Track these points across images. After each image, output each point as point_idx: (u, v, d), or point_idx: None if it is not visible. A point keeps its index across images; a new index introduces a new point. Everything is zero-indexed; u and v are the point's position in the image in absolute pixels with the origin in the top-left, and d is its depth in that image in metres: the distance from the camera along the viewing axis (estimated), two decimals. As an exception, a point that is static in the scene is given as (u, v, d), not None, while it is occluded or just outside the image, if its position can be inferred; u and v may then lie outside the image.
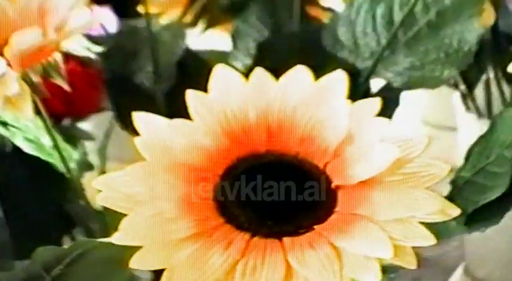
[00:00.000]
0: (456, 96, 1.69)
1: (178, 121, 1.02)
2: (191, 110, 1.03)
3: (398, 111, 1.52)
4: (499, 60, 1.45)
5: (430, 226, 1.10)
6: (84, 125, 1.61)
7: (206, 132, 1.02)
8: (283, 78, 1.04)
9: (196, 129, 1.02)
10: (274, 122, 1.03)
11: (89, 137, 1.62)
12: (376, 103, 1.03)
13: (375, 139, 0.99)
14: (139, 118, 1.02)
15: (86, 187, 1.28)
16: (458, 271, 1.78)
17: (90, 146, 1.52)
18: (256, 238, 0.97)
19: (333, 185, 1.00)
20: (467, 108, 1.72)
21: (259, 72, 1.04)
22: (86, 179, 1.28)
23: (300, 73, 1.04)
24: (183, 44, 1.36)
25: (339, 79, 1.03)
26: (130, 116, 1.07)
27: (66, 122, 1.53)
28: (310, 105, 1.03)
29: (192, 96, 1.04)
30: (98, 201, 1.00)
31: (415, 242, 0.96)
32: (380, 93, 1.33)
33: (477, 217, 1.17)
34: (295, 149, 1.03)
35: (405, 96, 1.58)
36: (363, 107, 1.03)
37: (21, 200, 1.18)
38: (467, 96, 1.59)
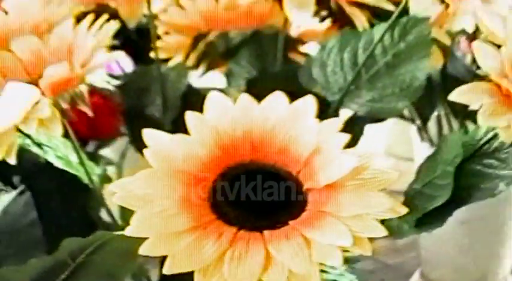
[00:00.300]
0: (413, 129, 1.74)
1: (179, 136, 1.05)
2: (189, 127, 1.06)
3: (364, 146, 1.58)
4: (448, 99, 1.49)
5: (388, 228, 1.16)
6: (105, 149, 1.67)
7: (201, 145, 1.05)
8: (264, 101, 1.08)
9: (194, 142, 1.05)
10: (257, 137, 1.06)
11: (108, 161, 1.67)
12: (339, 122, 1.07)
13: (338, 151, 1.03)
14: (148, 134, 1.05)
15: (105, 196, 1.33)
16: (416, 275, 1.83)
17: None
18: (242, 231, 1.01)
19: (304, 188, 1.04)
20: (422, 139, 1.76)
21: (245, 97, 1.08)
22: (105, 190, 1.33)
23: (277, 98, 1.08)
24: (186, 82, 1.41)
25: (309, 102, 1.07)
26: (143, 141, 1.11)
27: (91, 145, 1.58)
28: (285, 124, 1.07)
29: (190, 115, 1.07)
30: (115, 201, 1.02)
31: (370, 234, 0.99)
32: (347, 121, 1.36)
33: (425, 221, 1.22)
34: (274, 159, 1.06)
35: (369, 131, 1.64)
36: (329, 126, 1.06)
37: (53, 205, 1.21)
38: (422, 130, 1.62)
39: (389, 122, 1.52)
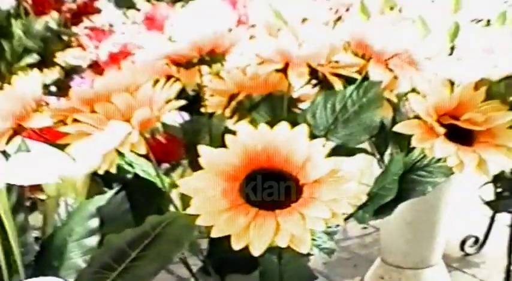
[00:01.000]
0: (375, 161, 1.79)
1: (221, 150, 1.11)
2: (228, 144, 1.13)
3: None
4: (397, 139, 1.54)
5: (356, 218, 1.24)
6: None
7: (235, 156, 1.11)
8: (275, 128, 1.14)
9: (230, 154, 1.11)
10: (271, 151, 1.12)
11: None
12: (322, 141, 1.14)
13: (321, 159, 1.10)
14: (202, 150, 1.11)
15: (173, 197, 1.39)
16: (378, 260, 1.85)
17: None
18: (261, 211, 1.08)
19: (300, 183, 1.10)
20: (381, 167, 1.81)
21: (263, 126, 1.15)
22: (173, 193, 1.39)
23: (283, 126, 1.14)
24: (224, 125, 1.46)
25: (302, 129, 1.13)
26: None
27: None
28: (288, 142, 1.13)
29: (228, 137, 1.12)
30: (180, 190, 1.10)
31: (342, 210, 1.06)
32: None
33: (379, 211, 1.29)
34: (281, 165, 1.12)
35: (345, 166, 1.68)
36: (315, 143, 1.12)
37: (138, 201, 1.28)
38: (380, 161, 1.67)
39: (359, 158, 1.57)
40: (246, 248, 1.17)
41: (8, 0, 1.98)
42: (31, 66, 1.81)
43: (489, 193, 1.74)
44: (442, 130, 1.23)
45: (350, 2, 1.69)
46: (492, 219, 1.88)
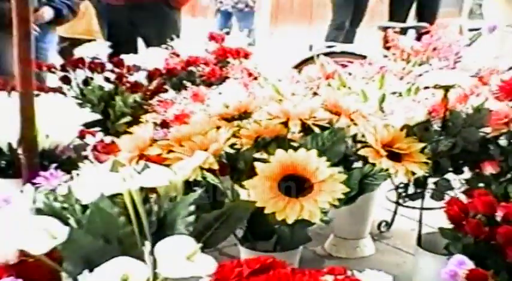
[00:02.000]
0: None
1: (267, 164, 1.18)
2: (270, 160, 1.19)
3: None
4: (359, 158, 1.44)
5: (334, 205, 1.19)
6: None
7: (275, 167, 1.17)
8: (298, 151, 1.19)
9: (272, 166, 1.17)
10: (295, 164, 1.17)
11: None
12: (324, 158, 1.19)
13: (324, 168, 1.17)
14: (258, 165, 1.18)
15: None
16: (331, 235, 1.81)
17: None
18: (291, 198, 1.14)
19: (312, 182, 1.16)
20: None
21: (290, 151, 1.20)
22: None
23: (302, 150, 1.19)
24: (253, 155, 1.40)
25: (313, 152, 1.19)
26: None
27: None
28: (305, 159, 1.18)
29: (258, 164, 1.19)
30: (247, 186, 1.16)
31: (337, 196, 1.14)
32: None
33: (347, 202, 1.24)
34: (301, 172, 1.17)
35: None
36: (321, 159, 1.17)
37: (212, 197, 1.27)
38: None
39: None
40: (269, 223, 1.23)
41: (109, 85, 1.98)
42: (126, 123, 1.79)
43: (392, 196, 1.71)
44: (384, 153, 1.29)
45: (317, 82, 1.70)
46: (395, 212, 1.81)
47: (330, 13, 5.28)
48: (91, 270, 1.01)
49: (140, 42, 3.51)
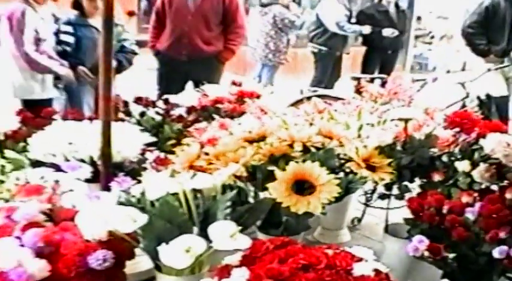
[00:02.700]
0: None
1: (284, 172, 1.21)
2: (286, 169, 1.21)
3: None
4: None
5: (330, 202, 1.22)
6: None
7: (290, 174, 1.21)
8: (306, 163, 1.23)
9: (288, 173, 1.21)
10: (304, 172, 1.21)
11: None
12: (324, 169, 1.23)
13: (325, 175, 1.21)
14: (278, 172, 1.22)
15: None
16: (319, 227, 1.77)
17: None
18: (301, 196, 1.18)
19: (316, 185, 1.20)
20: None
21: (301, 163, 1.25)
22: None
23: (309, 162, 1.22)
24: (267, 168, 1.40)
25: (316, 164, 1.22)
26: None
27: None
28: (311, 168, 1.21)
29: (277, 172, 1.23)
30: (270, 187, 1.20)
31: (334, 195, 1.19)
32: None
33: (337, 200, 1.25)
34: (308, 178, 1.21)
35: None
36: (322, 169, 1.21)
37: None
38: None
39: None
40: (279, 215, 1.28)
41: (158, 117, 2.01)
42: (172, 145, 1.77)
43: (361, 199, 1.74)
44: (363, 165, 1.34)
45: (312, 116, 1.74)
46: (364, 211, 1.81)
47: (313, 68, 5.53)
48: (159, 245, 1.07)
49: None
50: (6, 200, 1.34)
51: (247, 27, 4.01)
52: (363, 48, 5.96)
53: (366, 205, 1.79)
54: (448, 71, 4.82)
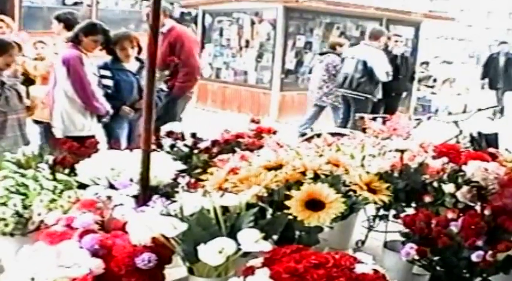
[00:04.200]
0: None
1: (299, 192, 1.38)
2: (301, 189, 1.36)
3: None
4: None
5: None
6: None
7: (303, 194, 1.36)
8: (317, 184, 1.41)
9: (302, 193, 1.38)
10: (314, 191, 1.36)
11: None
12: (332, 190, 1.40)
13: (333, 194, 1.35)
14: (294, 192, 1.39)
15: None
16: (326, 248, 1.47)
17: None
18: (313, 212, 1.32)
19: (326, 202, 1.34)
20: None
21: (312, 184, 1.42)
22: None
23: (320, 184, 1.39)
24: (283, 191, 1.56)
25: (325, 185, 1.39)
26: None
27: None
28: (321, 188, 1.36)
29: (293, 192, 1.41)
30: (288, 205, 1.37)
31: (340, 212, 1.34)
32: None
33: (343, 218, 1.43)
34: (318, 197, 1.35)
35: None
36: (330, 189, 1.36)
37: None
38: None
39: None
40: (293, 231, 1.43)
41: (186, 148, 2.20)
42: (198, 173, 1.91)
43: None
44: (365, 188, 1.50)
45: (322, 149, 1.90)
46: (366, 235, 1.85)
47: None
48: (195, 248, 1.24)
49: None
50: (64, 212, 1.53)
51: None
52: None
53: (369, 229, 1.88)
54: (450, 113, 5.04)
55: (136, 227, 1.31)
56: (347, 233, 1.87)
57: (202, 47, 8.98)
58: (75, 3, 9.07)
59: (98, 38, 3.20)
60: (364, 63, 5.50)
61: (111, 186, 1.56)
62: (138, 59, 3.45)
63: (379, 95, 5.53)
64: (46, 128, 3.33)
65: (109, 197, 1.47)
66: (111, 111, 3.21)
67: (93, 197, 1.52)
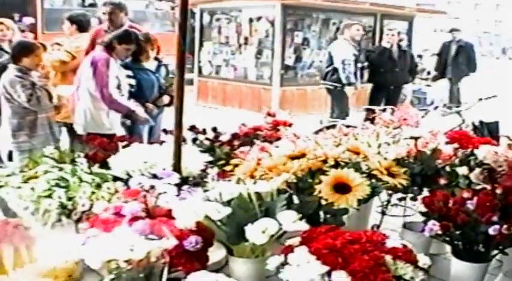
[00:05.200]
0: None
1: (326, 177, 1.50)
2: (329, 174, 1.46)
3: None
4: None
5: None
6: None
7: (331, 179, 1.45)
8: (344, 170, 1.49)
9: (329, 178, 1.47)
10: (342, 176, 1.45)
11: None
12: (358, 174, 1.52)
13: (358, 178, 1.46)
14: (324, 177, 1.50)
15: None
16: None
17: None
18: (340, 195, 1.41)
19: (352, 185, 1.44)
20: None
21: (339, 169, 1.52)
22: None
23: (347, 169, 1.50)
24: (308, 182, 1.80)
25: (352, 170, 1.50)
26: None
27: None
28: (348, 174, 1.45)
29: (322, 177, 1.51)
30: (317, 189, 1.48)
31: (366, 194, 1.44)
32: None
33: (365, 201, 1.51)
34: (345, 181, 1.44)
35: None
36: (357, 174, 1.47)
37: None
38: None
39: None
40: (318, 214, 1.51)
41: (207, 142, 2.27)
42: (221, 165, 1.98)
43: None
44: (385, 172, 1.59)
45: (339, 138, 1.98)
46: (381, 220, 1.89)
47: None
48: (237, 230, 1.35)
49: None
50: (108, 201, 1.63)
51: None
52: (365, 86, 6.31)
53: (383, 213, 1.97)
54: (445, 105, 5.18)
55: (182, 213, 1.40)
56: (364, 218, 1.89)
57: (201, 45, 9.11)
58: (91, 5, 9.20)
59: (130, 46, 3.28)
60: (330, 55, 5.68)
61: (154, 176, 1.62)
62: (155, 58, 3.54)
63: (354, 83, 5.49)
64: (69, 127, 3.43)
65: (152, 187, 1.54)
66: (137, 110, 3.29)
67: (137, 186, 1.60)
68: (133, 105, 3.30)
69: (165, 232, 1.24)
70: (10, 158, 4.04)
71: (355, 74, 5.47)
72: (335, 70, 5.45)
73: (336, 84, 5.46)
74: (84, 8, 8.86)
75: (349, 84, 5.44)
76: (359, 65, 5.79)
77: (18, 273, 0.95)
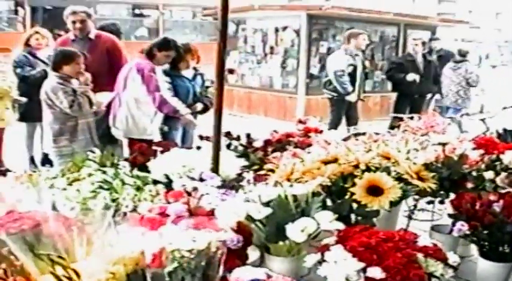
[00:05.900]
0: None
1: (360, 180, 1.54)
2: (363, 177, 1.52)
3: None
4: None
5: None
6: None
7: (364, 182, 1.52)
8: (377, 173, 1.57)
9: (363, 181, 1.52)
10: (374, 180, 1.51)
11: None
12: (390, 177, 1.59)
13: (390, 182, 1.52)
14: (358, 180, 1.57)
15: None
16: None
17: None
18: (374, 197, 1.47)
19: (384, 188, 1.49)
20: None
21: (372, 172, 1.60)
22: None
23: (379, 173, 1.56)
24: (341, 183, 1.87)
25: (384, 174, 1.56)
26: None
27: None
28: (380, 177, 1.51)
29: (357, 180, 1.56)
30: (352, 191, 1.53)
31: (398, 196, 1.49)
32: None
33: (396, 204, 1.56)
34: (377, 183, 1.49)
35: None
36: (389, 177, 1.56)
37: None
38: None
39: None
40: (349, 216, 1.55)
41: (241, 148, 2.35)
42: (255, 169, 2.03)
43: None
44: (415, 177, 1.63)
45: (369, 144, 2.03)
46: (408, 224, 1.88)
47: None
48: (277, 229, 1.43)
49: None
50: (151, 201, 1.71)
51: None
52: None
53: (409, 218, 1.99)
54: (467, 114, 5.20)
55: (224, 213, 1.47)
56: (392, 221, 1.91)
57: (227, 54, 9.13)
58: (141, 15, 9.40)
59: (170, 53, 3.35)
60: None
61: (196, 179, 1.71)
62: (193, 67, 3.65)
63: (352, 93, 5.49)
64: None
65: (195, 188, 1.63)
66: (186, 111, 3.35)
67: (180, 188, 1.69)
68: (183, 107, 3.36)
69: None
70: (43, 163, 4.30)
71: (353, 83, 5.47)
72: (330, 81, 5.54)
73: (333, 93, 5.52)
74: (136, 17, 8.90)
75: (347, 94, 5.47)
76: (357, 73, 5.63)
77: (89, 261, 1.02)
